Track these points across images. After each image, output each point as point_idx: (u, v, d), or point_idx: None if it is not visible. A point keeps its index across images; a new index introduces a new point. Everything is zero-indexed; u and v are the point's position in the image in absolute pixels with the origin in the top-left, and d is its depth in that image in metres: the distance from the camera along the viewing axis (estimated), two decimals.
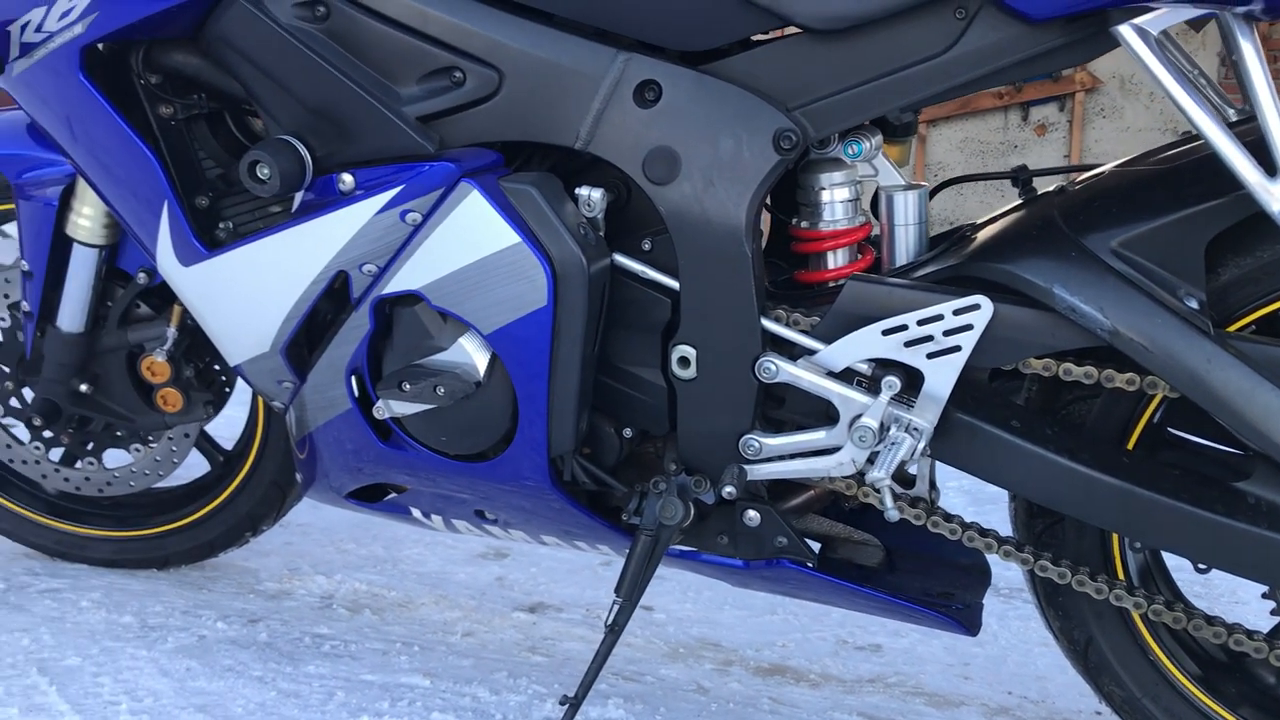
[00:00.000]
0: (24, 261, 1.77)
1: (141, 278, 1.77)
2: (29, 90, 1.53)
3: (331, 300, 1.45)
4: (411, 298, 1.39)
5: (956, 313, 1.27)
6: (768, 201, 1.48)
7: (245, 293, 1.47)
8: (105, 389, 1.84)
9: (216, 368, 1.87)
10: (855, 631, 1.96)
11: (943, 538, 1.40)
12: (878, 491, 1.36)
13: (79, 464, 1.94)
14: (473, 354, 1.40)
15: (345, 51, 1.37)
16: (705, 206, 1.32)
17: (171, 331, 1.77)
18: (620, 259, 1.38)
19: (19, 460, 1.95)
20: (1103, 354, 1.27)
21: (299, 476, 1.63)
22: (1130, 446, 1.36)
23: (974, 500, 2.50)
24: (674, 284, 1.37)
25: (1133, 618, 1.40)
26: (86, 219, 1.73)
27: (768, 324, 1.34)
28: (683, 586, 2.07)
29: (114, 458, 1.94)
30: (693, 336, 1.36)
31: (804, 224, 1.43)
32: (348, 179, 1.38)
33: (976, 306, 1.26)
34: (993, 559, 1.44)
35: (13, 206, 1.78)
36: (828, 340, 1.32)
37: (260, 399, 1.84)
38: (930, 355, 1.28)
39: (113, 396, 1.85)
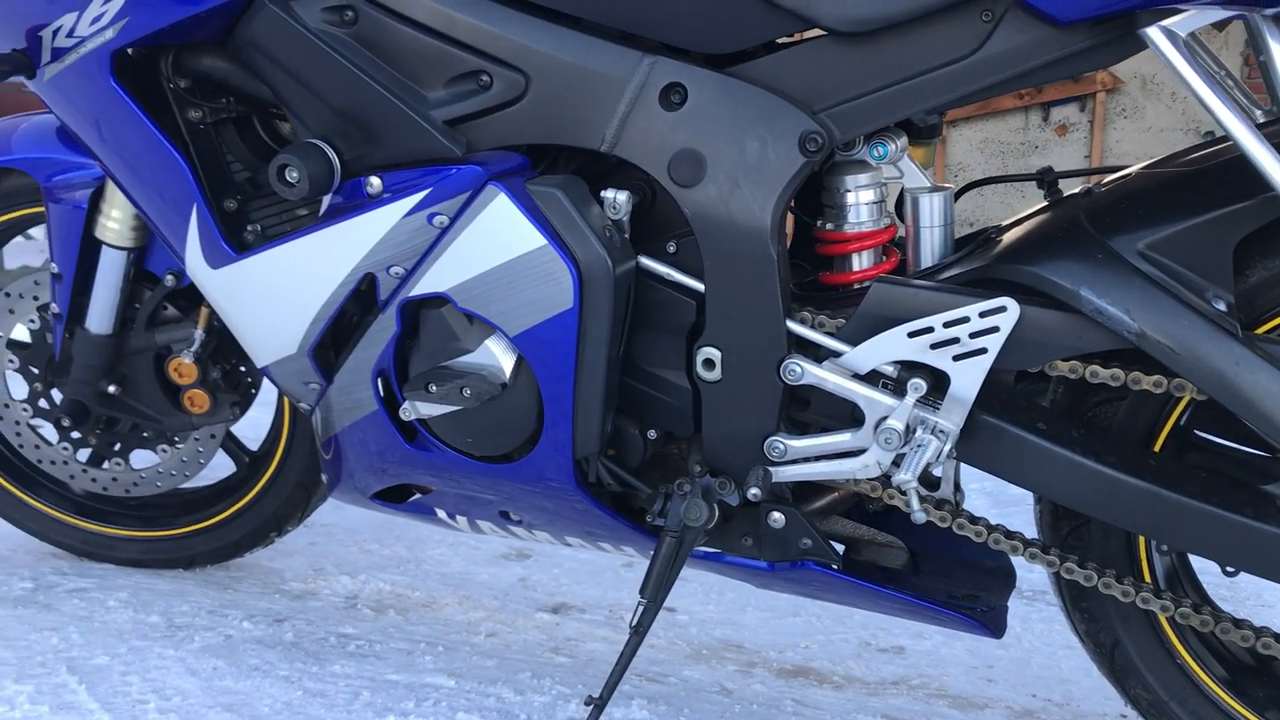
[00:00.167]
0: (53, 264, 1.79)
1: (169, 280, 1.78)
2: (60, 94, 1.54)
3: (359, 302, 1.46)
4: (438, 300, 1.40)
5: (983, 315, 1.27)
6: (792, 204, 1.48)
7: (273, 295, 1.48)
8: (133, 390, 1.86)
9: (243, 369, 1.88)
10: (878, 633, 1.96)
11: (968, 540, 1.40)
12: (903, 494, 1.36)
13: (106, 464, 1.96)
14: (499, 356, 1.40)
15: (373, 55, 1.38)
16: (730, 209, 1.33)
17: (198, 333, 1.78)
18: (645, 261, 1.39)
19: (47, 461, 1.97)
20: (1129, 356, 1.27)
21: (325, 477, 1.64)
22: (1157, 449, 1.36)
23: (996, 503, 2.50)
24: (699, 286, 1.37)
25: (1159, 621, 1.40)
26: (115, 222, 1.75)
27: (793, 326, 1.34)
28: (705, 588, 2.07)
29: (141, 458, 1.96)
30: (718, 338, 1.37)
31: (829, 226, 1.43)
32: (375, 182, 1.39)
33: (1003, 309, 1.26)
34: (1018, 561, 1.43)
35: (43, 209, 1.80)
36: (853, 342, 1.32)
37: (286, 400, 1.86)
38: (956, 357, 1.28)
39: (140, 398, 1.86)
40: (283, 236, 1.46)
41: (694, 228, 1.34)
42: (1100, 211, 1.29)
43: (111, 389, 1.85)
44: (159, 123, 1.49)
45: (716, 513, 1.40)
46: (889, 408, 1.31)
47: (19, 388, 1.94)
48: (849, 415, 1.35)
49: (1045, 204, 1.39)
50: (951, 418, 1.30)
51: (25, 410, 1.94)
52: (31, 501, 2.03)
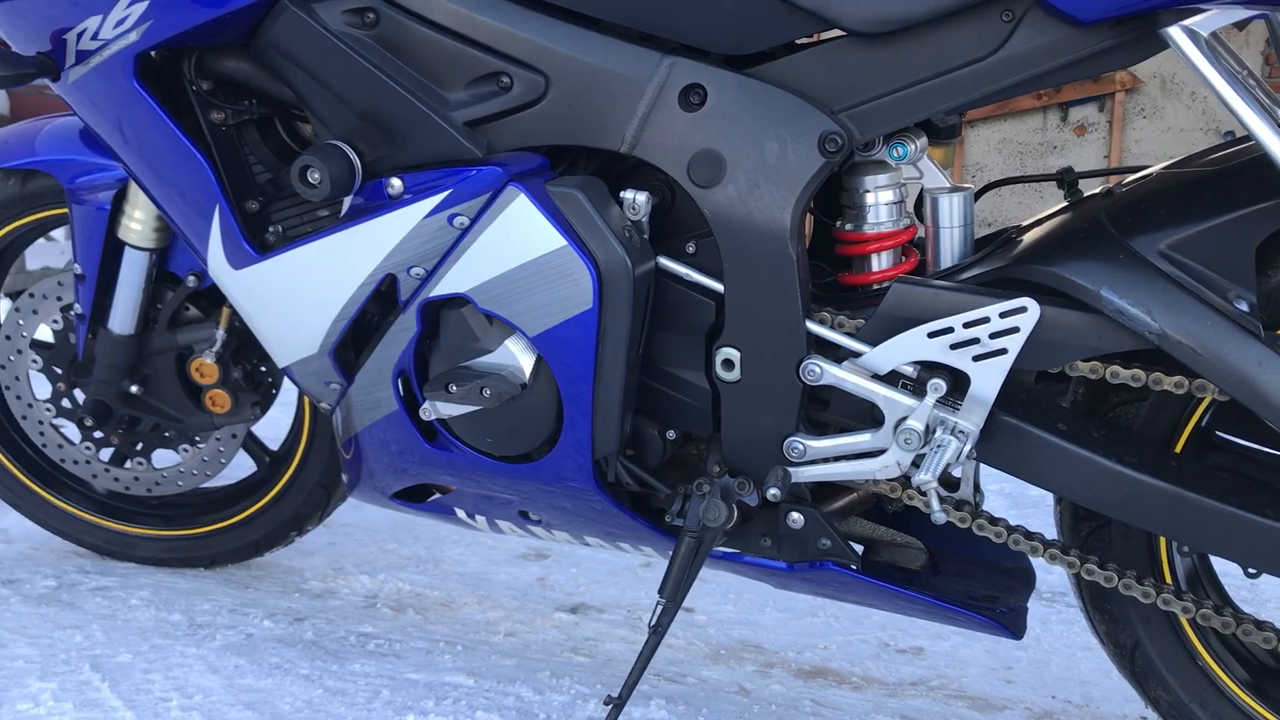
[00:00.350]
0: (76, 265, 1.81)
1: (191, 281, 1.79)
2: (84, 96, 1.56)
3: (379, 303, 1.46)
4: (458, 300, 1.41)
5: (1003, 315, 1.26)
6: (811, 204, 1.48)
7: (294, 295, 1.49)
8: (155, 390, 1.87)
9: (264, 369, 1.89)
10: (897, 634, 1.96)
11: (987, 541, 1.39)
12: (923, 494, 1.36)
13: (128, 464, 1.97)
14: (518, 356, 1.41)
15: (394, 57, 1.39)
16: (750, 209, 1.33)
17: (220, 334, 1.79)
18: (665, 262, 1.39)
19: (70, 460, 1.99)
20: (1150, 357, 1.27)
21: (345, 477, 1.64)
22: (1178, 450, 1.35)
23: (1015, 503, 2.49)
24: (718, 287, 1.37)
25: (1180, 622, 1.39)
26: (138, 223, 1.76)
27: (812, 326, 1.35)
28: (724, 588, 2.07)
29: (162, 458, 1.97)
30: (737, 339, 1.37)
31: (848, 226, 1.43)
32: (396, 183, 1.40)
33: (1023, 309, 1.26)
34: (1038, 562, 1.43)
35: (66, 211, 1.81)
36: (873, 343, 1.32)
37: (306, 400, 1.87)
38: (976, 358, 1.28)
39: (162, 398, 1.88)
40: (304, 237, 1.47)
41: (713, 228, 1.35)
42: (1121, 212, 1.28)
43: (133, 389, 1.86)
44: (182, 124, 1.50)
45: (735, 513, 1.41)
46: (909, 408, 1.31)
47: (42, 388, 1.95)
48: (868, 415, 1.35)
49: (1065, 204, 1.39)
50: (971, 418, 1.30)
51: (48, 410, 1.96)
52: (55, 500, 2.05)
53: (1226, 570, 1.42)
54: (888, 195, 1.42)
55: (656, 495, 1.50)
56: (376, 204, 1.41)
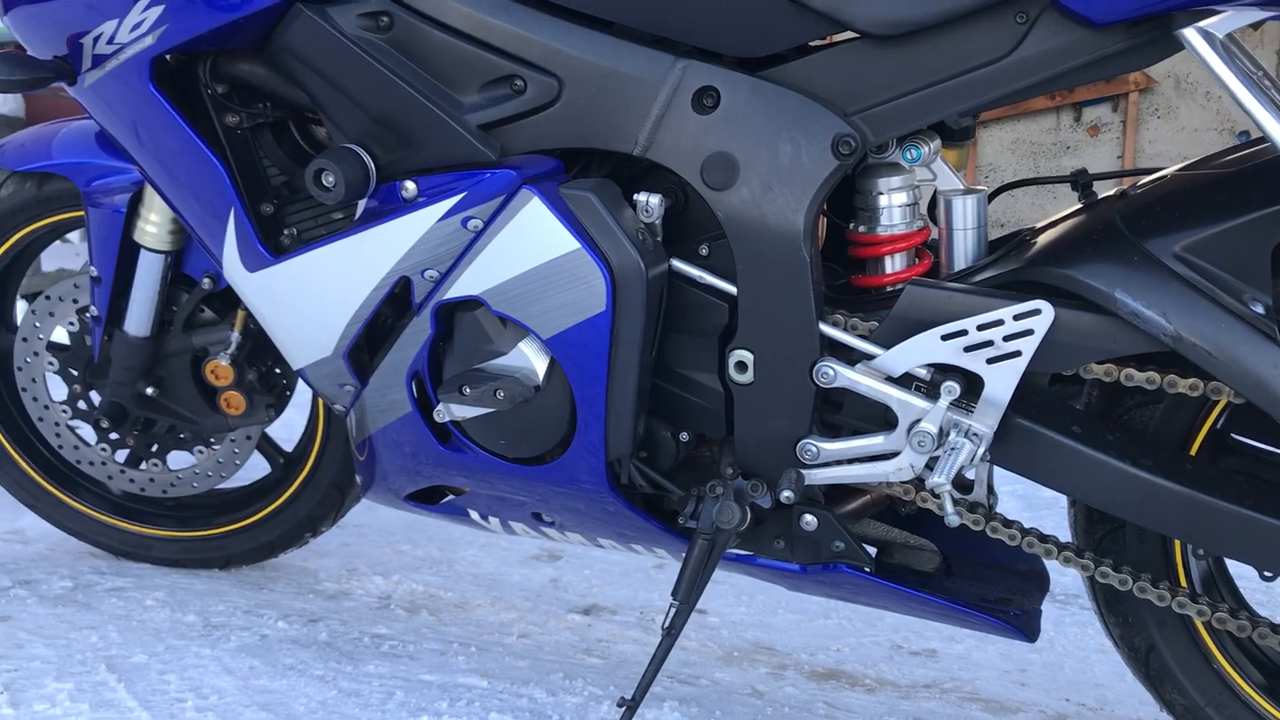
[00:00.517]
0: (92, 267, 1.82)
1: (206, 283, 1.80)
2: (100, 100, 1.57)
3: (393, 305, 1.47)
4: (472, 303, 1.41)
5: (1017, 318, 1.26)
6: (824, 206, 1.48)
7: (309, 298, 1.49)
8: (170, 392, 1.88)
9: (278, 371, 1.90)
10: (910, 636, 1.96)
11: (1001, 543, 1.39)
12: (937, 497, 1.36)
13: (144, 465, 1.98)
14: (532, 358, 1.41)
15: (408, 61, 1.40)
16: (763, 212, 1.33)
17: (235, 336, 1.80)
18: (678, 264, 1.39)
19: (86, 461, 2.00)
20: (1165, 359, 1.26)
21: (359, 478, 1.65)
22: (1193, 452, 1.35)
23: (1029, 505, 2.48)
24: (731, 289, 1.37)
25: (1195, 625, 1.39)
26: (153, 225, 1.77)
27: (826, 329, 1.34)
28: (736, 590, 2.07)
29: (178, 459, 1.98)
30: (750, 341, 1.37)
31: (861, 228, 1.43)
32: (410, 186, 1.40)
33: (1037, 311, 1.25)
34: (1052, 565, 1.43)
35: (82, 213, 1.82)
36: (886, 345, 1.32)
37: (320, 402, 1.88)
38: (990, 360, 1.28)
39: (177, 399, 1.89)
40: (318, 240, 1.48)
41: (726, 231, 1.35)
42: (1136, 214, 1.28)
43: (149, 391, 1.87)
44: (197, 128, 1.51)
45: (749, 515, 1.41)
46: (922, 410, 1.31)
47: (59, 389, 1.96)
48: (882, 418, 1.35)
49: (1079, 206, 1.38)
50: (985, 421, 1.30)
51: (64, 411, 1.97)
52: (70, 502, 2.06)
53: (1242, 573, 1.41)
54: (901, 197, 1.42)
55: (670, 497, 1.50)
56: (391, 207, 1.41)
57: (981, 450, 1.30)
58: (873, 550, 1.49)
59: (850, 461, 1.38)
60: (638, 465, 1.46)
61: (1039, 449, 1.31)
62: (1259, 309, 1.20)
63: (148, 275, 1.80)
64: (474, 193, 1.36)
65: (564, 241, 1.34)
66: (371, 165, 1.41)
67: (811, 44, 1.35)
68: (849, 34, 1.31)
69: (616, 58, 1.35)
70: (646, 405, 1.42)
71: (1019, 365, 1.27)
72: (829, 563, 1.44)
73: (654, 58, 1.35)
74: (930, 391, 1.32)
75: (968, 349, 1.29)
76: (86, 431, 1.97)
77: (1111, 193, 1.37)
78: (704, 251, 1.40)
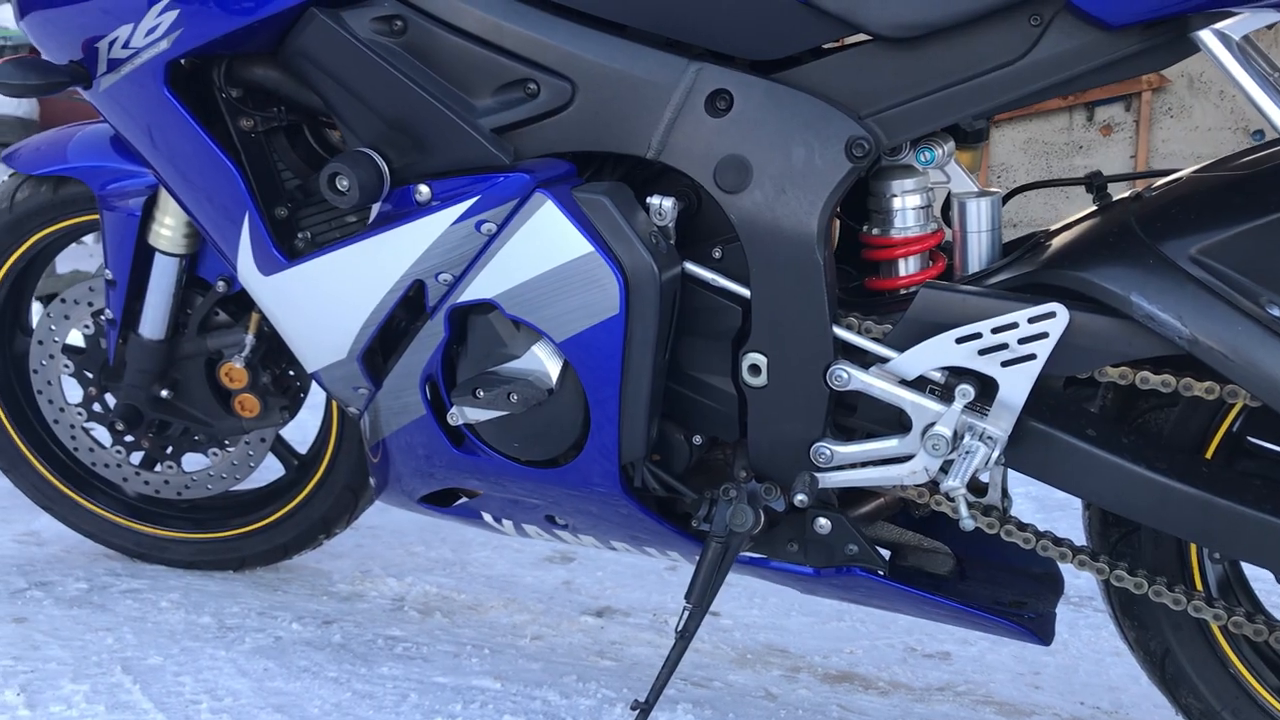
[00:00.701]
0: (107, 270, 1.82)
1: (220, 286, 1.81)
2: (115, 104, 1.58)
3: (407, 308, 1.47)
4: (486, 306, 1.41)
5: (1032, 320, 1.26)
6: (838, 208, 1.48)
7: (323, 301, 1.50)
8: (185, 394, 1.89)
9: (292, 373, 1.91)
10: (923, 638, 1.96)
11: (1015, 546, 1.39)
12: (951, 500, 1.36)
13: (158, 467, 1.99)
14: (545, 362, 1.41)
15: (422, 64, 1.40)
16: (777, 215, 1.33)
17: (249, 338, 1.81)
18: (691, 267, 1.39)
19: (101, 464, 2.01)
20: (1180, 362, 1.26)
21: (373, 480, 1.65)
22: (1209, 455, 1.34)
23: (1042, 506, 2.48)
24: (745, 292, 1.37)
25: (1211, 629, 1.38)
26: (168, 229, 1.78)
27: (839, 332, 1.34)
28: (749, 592, 2.07)
29: (192, 462, 1.99)
30: (764, 344, 1.37)
31: (875, 231, 1.43)
32: (424, 190, 1.40)
33: (1052, 314, 1.25)
34: (1066, 568, 1.42)
35: (97, 217, 1.83)
36: (900, 348, 1.32)
37: (334, 404, 1.88)
38: (1005, 363, 1.28)
39: (192, 402, 1.89)
40: (333, 244, 1.48)
41: (740, 233, 1.35)
42: (1151, 216, 1.27)
43: (164, 393, 1.88)
44: (211, 132, 1.52)
45: (762, 518, 1.41)
46: (936, 414, 1.31)
47: (74, 392, 1.97)
48: (896, 421, 1.35)
49: (1094, 208, 1.38)
50: (1000, 424, 1.29)
51: (80, 414, 1.98)
52: (86, 504, 2.07)
53: (1258, 575, 1.41)
54: (915, 200, 1.41)
55: (683, 500, 1.50)
56: (404, 211, 1.42)
57: (996, 453, 1.30)
58: (886, 553, 1.49)
59: (864, 465, 1.37)
60: (651, 468, 1.46)
61: (1054, 452, 1.31)
62: (1276, 312, 1.19)
63: (162, 279, 1.81)
64: (487, 196, 1.37)
65: (577, 245, 1.34)
66: (385, 169, 1.42)
67: (825, 46, 1.35)
68: (862, 36, 1.30)
69: (630, 61, 1.35)
70: (660, 408, 1.42)
71: (1034, 368, 1.27)
72: (842, 566, 1.43)
73: (667, 61, 1.35)
74: (944, 395, 1.31)
75: (982, 352, 1.28)
76: (101, 434, 1.98)
77: (1126, 195, 1.36)
78: (717, 254, 1.40)
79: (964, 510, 1.34)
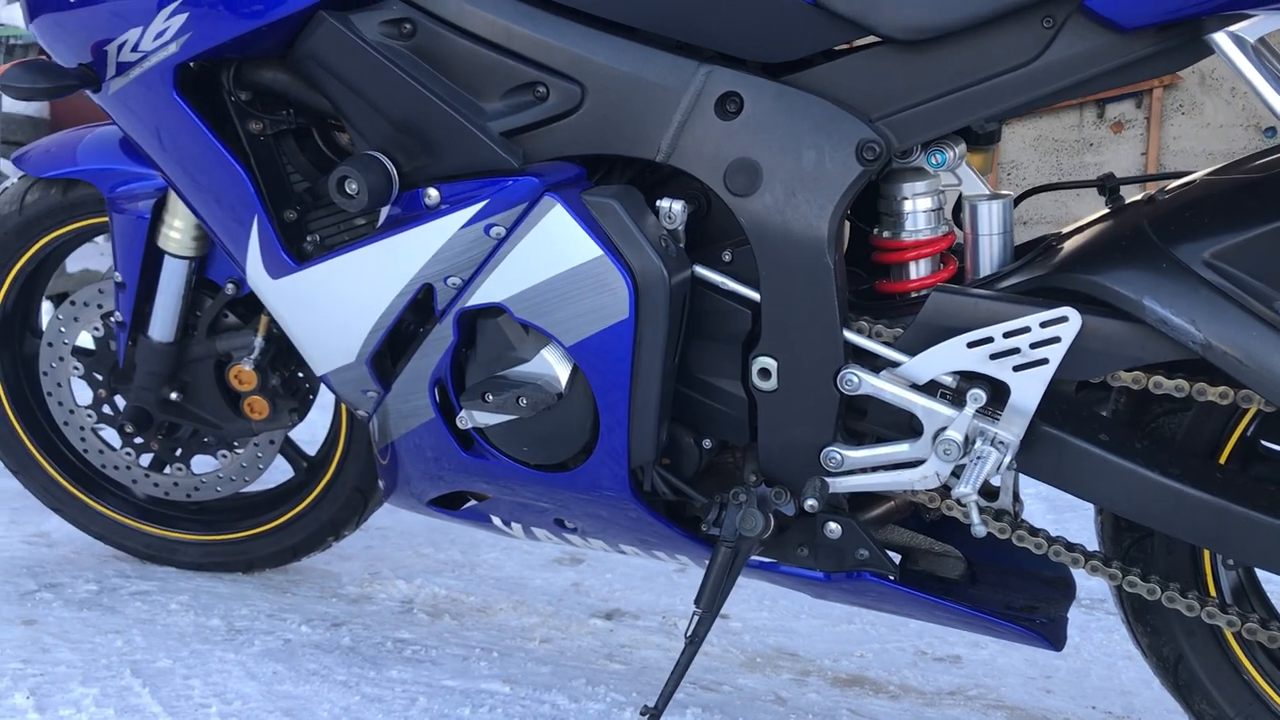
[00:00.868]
0: (117, 273, 1.82)
1: (230, 288, 1.81)
2: (124, 107, 1.57)
3: (416, 312, 1.47)
4: (495, 310, 1.41)
5: (1044, 325, 1.25)
6: (848, 211, 1.47)
7: (332, 305, 1.50)
8: (194, 397, 1.89)
9: (301, 375, 1.90)
10: (934, 642, 1.95)
11: (1027, 550, 1.38)
12: (963, 505, 1.35)
13: (168, 470, 1.99)
14: (555, 366, 1.41)
15: (431, 68, 1.39)
16: (787, 218, 1.32)
17: (258, 341, 1.81)
18: (701, 270, 1.39)
19: (110, 465, 2.01)
20: (1193, 366, 1.25)
21: (381, 483, 1.65)
22: (1222, 460, 1.33)
23: (1053, 507, 2.47)
24: (755, 295, 1.36)
25: (1225, 636, 1.37)
26: (177, 232, 1.78)
27: (850, 336, 1.34)
28: (759, 594, 2.07)
29: (202, 463, 1.99)
30: (774, 348, 1.36)
31: (886, 233, 1.42)
32: (433, 194, 1.40)
33: (1064, 319, 1.24)
34: (1079, 573, 1.41)
35: (106, 219, 1.83)
36: (911, 352, 1.31)
37: (343, 406, 1.88)
38: (1016, 368, 1.27)
39: (201, 404, 1.89)
40: (342, 247, 1.48)
41: (750, 237, 1.34)
42: (1164, 219, 1.26)
43: (173, 395, 1.88)
44: (220, 135, 1.52)
45: (772, 523, 1.40)
46: (948, 418, 1.30)
47: (83, 394, 1.97)
48: (907, 425, 1.34)
49: (1107, 211, 1.37)
50: (1011, 429, 1.28)
51: (90, 416, 1.98)
52: (96, 505, 2.07)
53: (1272, 580, 1.40)
54: (926, 202, 1.41)
55: (692, 504, 1.50)
56: (413, 214, 1.41)
57: (1008, 459, 1.29)
58: (897, 556, 1.48)
59: (875, 469, 1.37)
60: (660, 472, 1.46)
61: (1066, 457, 1.30)
62: None
63: (172, 281, 1.81)
64: (497, 200, 1.36)
65: (587, 249, 1.33)
66: (394, 172, 1.41)
67: (836, 49, 1.34)
68: (873, 38, 1.30)
69: (639, 64, 1.35)
70: (669, 412, 1.42)
71: (1046, 373, 1.26)
72: (853, 571, 1.43)
73: (677, 63, 1.34)
74: (956, 399, 1.31)
75: (994, 356, 1.27)
76: (111, 436, 1.98)
77: (1139, 197, 1.35)
78: (727, 257, 1.40)
79: (976, 517, 1.34)
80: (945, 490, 1.37)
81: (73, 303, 1.92)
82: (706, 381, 1.42)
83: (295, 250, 1.54)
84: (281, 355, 1.85)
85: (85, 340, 1.96)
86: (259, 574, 2.07)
